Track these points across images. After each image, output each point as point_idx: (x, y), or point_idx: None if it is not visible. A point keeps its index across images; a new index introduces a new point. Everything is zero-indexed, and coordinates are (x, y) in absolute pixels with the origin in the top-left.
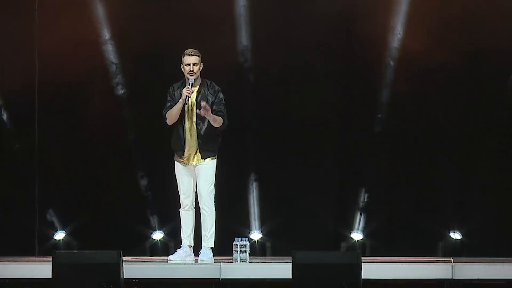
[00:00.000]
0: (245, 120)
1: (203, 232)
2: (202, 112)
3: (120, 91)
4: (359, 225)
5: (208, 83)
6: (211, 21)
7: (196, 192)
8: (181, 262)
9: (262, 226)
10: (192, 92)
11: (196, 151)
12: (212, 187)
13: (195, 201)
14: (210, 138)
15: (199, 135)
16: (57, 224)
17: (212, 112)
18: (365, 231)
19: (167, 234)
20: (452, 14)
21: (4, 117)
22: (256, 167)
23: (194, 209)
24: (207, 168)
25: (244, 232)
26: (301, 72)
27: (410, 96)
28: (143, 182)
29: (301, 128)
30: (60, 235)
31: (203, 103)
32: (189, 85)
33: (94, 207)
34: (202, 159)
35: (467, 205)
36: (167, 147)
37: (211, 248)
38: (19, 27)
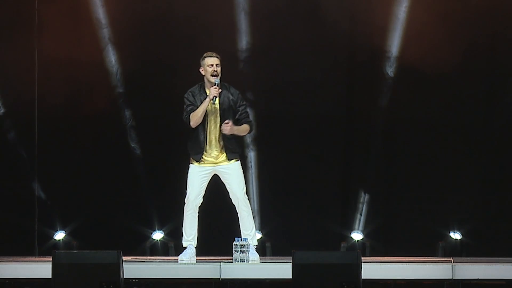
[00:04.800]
0: None
1: (244, 232)
2: (227, 130)
3: (121, 92)
4: (359, 225)
5: (227, 85)
6: (212, 22)
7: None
8: (181, 262)
9: (262, 226)
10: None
11: (221, 153)
12: (245, 188)
13: (201, 203)
14: (235, 138)
15: (224, 136)
16: (57, 224)
17: (239, 117)
18: (365, 231)
19: (167, 234)
20: (451, 18)
21: (4, 117)
22: (256, 167)
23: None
24: (236, 171)
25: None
26: (302, 75)
27: (411, 98)
28: (143, 182)
29: (302, 129)
30: (60, 235)
31: (225, 125)
32: (215, 85)
33: (94, 207)
34: (228, 160)
35: (467, 205)
36: (166, 148)
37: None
38: (19, 28)
